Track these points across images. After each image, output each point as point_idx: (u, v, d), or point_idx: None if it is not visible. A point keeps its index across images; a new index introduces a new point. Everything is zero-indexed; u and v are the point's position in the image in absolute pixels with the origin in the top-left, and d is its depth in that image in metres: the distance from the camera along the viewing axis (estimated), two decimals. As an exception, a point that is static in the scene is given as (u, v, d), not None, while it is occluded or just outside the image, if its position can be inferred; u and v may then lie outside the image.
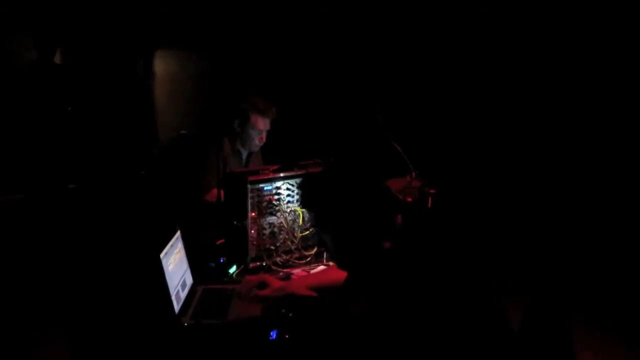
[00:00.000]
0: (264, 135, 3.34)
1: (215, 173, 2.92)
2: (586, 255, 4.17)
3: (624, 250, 4.17)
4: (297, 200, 2.56)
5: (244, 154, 3.43)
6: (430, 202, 2.80)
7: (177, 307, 2.03)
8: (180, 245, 2.29)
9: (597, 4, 4.22)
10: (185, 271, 2.27)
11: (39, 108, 4.43)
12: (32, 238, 4.03)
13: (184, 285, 2.19)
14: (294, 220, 2.55)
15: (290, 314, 1.96)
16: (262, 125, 3.29)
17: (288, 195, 2.56)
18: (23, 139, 4.42)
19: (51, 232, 4.07)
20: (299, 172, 2.57)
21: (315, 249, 2.58)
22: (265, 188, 2.50)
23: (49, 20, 4.67)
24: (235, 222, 2.46)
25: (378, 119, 3.02)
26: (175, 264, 2.15)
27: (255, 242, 2.50)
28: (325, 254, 2.55)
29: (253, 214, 2.48)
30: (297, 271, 2.49)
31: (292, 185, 2.57)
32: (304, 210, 2.51)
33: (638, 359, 3.38)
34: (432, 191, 2.81)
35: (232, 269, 2.45)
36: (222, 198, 2.59)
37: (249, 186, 2.44)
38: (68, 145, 4.48)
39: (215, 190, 2.80)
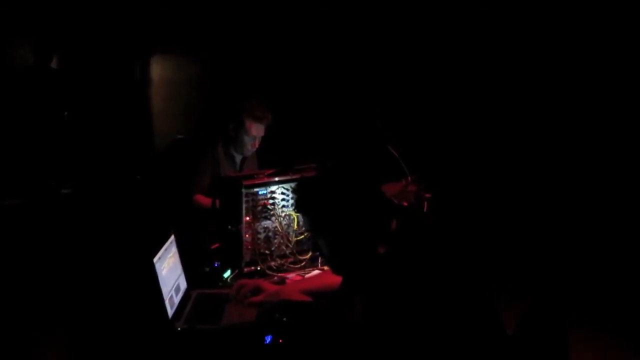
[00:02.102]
0: (257, 141, 3.34)
1: (208, 173, 2.92)
2: (585, 255, 4.17)
3: (624, 250, 4.17)
4: (292, 205, 2.56)
5: (238, 159, 3.43)
6: (426, 206, 2.80)
7: (170, 312, 2.02)
8: (174, 250, 2.28)
9: (598, 3, 4.22)
10: (179, 276, 2.26)
11: (37, 113, 4.43)
12: (30, 242, 4.02)
13: (177, 289, 2.19)
14: (289, 225, 2.56)
15: (284, 319, 1.95)
16: (255, 131, 3.28)
17: (283, 199, 2.55)
18: (21, 144, 4.41)
19: (48, 236, 4.06)
20: (293, 177, 2.57)
21: (310, 254, 2.57)
22: (260, 192, 2.49)
23: (47, 25, 4.67)
24: (229, 227, 2.46)
25: (376, 123, 3.01)
26: (169, 268, 2.14)
27: (249, 247, 2.49)
28: (319, 258, 2.54)
29: (247, 218, 2.47)
30: (291, 275, 2.48)
31: (287, 189, 2.56)
32: (298, 214, 2.50)
33: (638, 359, 3.38)
34: (427, 195, 2.81)
35: (227, 274, 2.44)
36: (217, 202, 2.58)
37: (243, 190, 2.43)
38: (65, 150, 4.47)
39: (204, 198, 2.80)
